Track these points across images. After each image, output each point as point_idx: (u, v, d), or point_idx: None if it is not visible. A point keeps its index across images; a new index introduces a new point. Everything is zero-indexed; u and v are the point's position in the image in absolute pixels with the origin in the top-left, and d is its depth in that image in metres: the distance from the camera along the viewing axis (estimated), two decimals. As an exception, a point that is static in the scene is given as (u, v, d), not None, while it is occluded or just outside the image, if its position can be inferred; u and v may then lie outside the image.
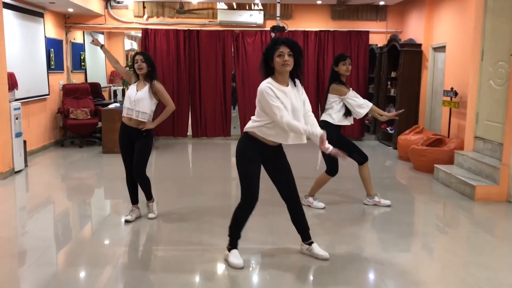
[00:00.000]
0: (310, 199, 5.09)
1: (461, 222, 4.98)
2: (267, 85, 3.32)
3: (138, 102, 4.41)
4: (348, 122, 4.94)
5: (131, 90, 4.51)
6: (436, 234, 4.57)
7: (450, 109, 7.32)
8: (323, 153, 3.50)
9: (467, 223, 4.93)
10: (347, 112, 4.87)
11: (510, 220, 4.95)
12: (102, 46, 4.99)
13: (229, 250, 3.62)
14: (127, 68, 5.53)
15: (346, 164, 4.58)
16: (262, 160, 3.51)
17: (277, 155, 3.56)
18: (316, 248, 3.72)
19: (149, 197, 4.73)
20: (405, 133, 7.89)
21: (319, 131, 3.29)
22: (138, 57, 4.48)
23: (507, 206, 5.24)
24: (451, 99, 7.22)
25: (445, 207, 5.46)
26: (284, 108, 3.28)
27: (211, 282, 3.40)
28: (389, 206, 5.12)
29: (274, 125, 3.33)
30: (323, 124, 4.64)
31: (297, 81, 3.49)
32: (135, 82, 4.56)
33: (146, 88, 4.47)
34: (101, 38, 11.56)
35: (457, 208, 5.26)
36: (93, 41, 5.02)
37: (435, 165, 6.41)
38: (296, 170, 3.69)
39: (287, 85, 3.40)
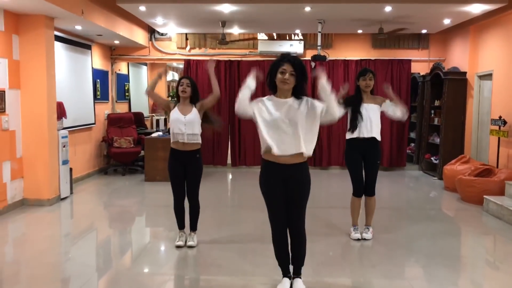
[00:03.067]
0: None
1: (514, 256, 4.73)
2: (262, 99, 3.39)
3: (189, 124, 4.46)
4: (351, 135, 4.80)
5: (177, 115, 4.51)
6: (486, 269, 4.34)
7: (499, 138, 7.07)
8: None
9: (520, 257, 4.67)
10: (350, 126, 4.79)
11: None
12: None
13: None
14: (168, 98, 5.56)
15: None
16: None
17: (293, 177, 3.40)
18: (296, 283, 3.53)
19: (194, 227, 4.75)
20: (451, 163, 7.65)
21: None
22: (184, 81, 4.55)
23: None
24: (499, 128, 6.98)
25: (496, 240, 5.20)
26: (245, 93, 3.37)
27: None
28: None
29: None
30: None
31: (304, 98, 3.36)
32: (174, 108, 4.59)
33: (195, 110, 4.53)
34: (144, 70, 11.91)
35: (510, 242, 4.99)
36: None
37: (484, 196, 6.15)
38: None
39: (285, 99, 3.34)
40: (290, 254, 3.56)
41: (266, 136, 3.29)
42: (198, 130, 4.52)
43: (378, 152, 4.86)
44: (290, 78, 3.27)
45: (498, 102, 7.37)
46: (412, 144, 9.91)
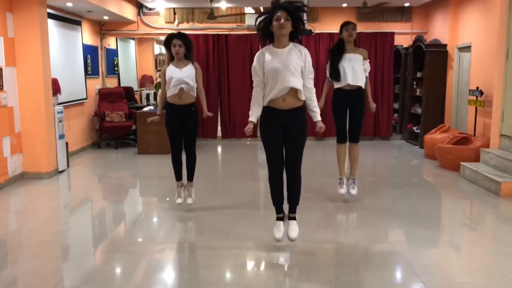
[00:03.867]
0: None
1: (487, 217, 5.14)
2: (260, 51, 3.65)
3: (185, 74, 4.64)
4: (337, 84, 5.07)
5: (173, 69, 4.66)
6: (462, 229, 4.74)
7: (476, 108, 7.43)
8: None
9: (493, 218, 5.08)
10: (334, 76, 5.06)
11: (535, 215, 5.08)
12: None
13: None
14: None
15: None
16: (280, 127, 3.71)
17: (292, 121, 3.69)
18: (290, 225, 3.88)
19: (191, 177, 5.04)
20: (431, 132, 8.02)
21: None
22: (176, 42, 4.64)
23: (533, 201, 5.37)
24: (476, 98, 7.33)
25: (472, 203, 5.60)
26: (258, 87, 3.64)
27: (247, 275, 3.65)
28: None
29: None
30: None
31: (302, 47, 3.65)
32: (168, 65, 4.75)
33: (190, 65, 4.72)
34: (132, 44, 12.00)
35: (483, 204, 5.40)
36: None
37: (461, 163, 6.54)
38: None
39: (284, 48, 3.59)
40: (286, 194, 3.87)
41: (269, 88, 3.59)
42: (193, 83, 4.72)
43: (362, 103, 5.11)
44: (286, 23, 3.47)
45: (476, 73, 7.71)
46: (396, 115, 10.27)
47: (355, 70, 4.94)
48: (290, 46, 3.62)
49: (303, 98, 3.66)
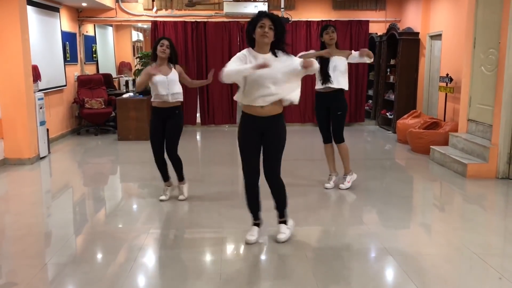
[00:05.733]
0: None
1: (454, 197, 5.46)
2: (241, 51, 3.57)
3: (171, 83, 4.69)
4: (317, 86, 5.23)
5: (160, 77, 4.66)
6: (431, 208, 5.04)
7: (446, 94, 7.75)
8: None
9: (459, 198, 5.40)
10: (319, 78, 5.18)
11: (498, 194, 5.41)
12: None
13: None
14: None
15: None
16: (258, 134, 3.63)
17: (270, 129, 3.61)
18: (280, 228, 3.84)
19: (181, 178, 5.01)
20: (404, 117, 8.33)
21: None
22: (164, 41, 4.75)
23: (496, 182, 5.70)
24: (446, 85, 7.65)
25: (440, 184, 5.92)
26: (234, 64, 3.44)
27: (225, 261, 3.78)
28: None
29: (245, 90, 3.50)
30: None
31: (279, 52, 3.53)
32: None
33: (174, 70, 4.79)
34: (110, 31, 11.99)
35: (451, 185, 5.72)
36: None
37: (431, 146, 6.86)
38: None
39: (264, 54, 3.50)
40: (269, 201, 3.81)
41: (246, 92, 3.51)
42: (179, 88, 4.79)
43: (340, 104, 5.21)
44: (269, 31, 3.41)
45: (446, 61, 8.02)
46: (370, 101, 10.57)
47: (337, 73, 5.04)
48: (269, 54, 3.54)
49: (285, 105, 3.60)
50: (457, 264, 3.49)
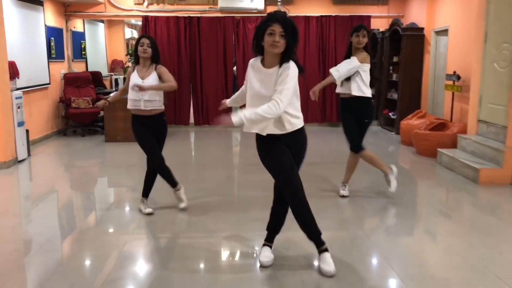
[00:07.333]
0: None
1: (464, 205, 4.99)
2: (250, 62, 3.14)
3: (146, 87, 4.20)
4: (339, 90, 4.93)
5: (135, 79, 4.29)
6: (439, 218, 4.57)
7: (453, 93, 7.29)
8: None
9: (471, 207, 4.93)
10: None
11: (514, 203, 4.95)
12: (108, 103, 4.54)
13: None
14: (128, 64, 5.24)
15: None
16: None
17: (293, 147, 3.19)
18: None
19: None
20: (408, 118, 7.87)
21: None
22: (144, 40, 4.30)
23: (511, 189, 5.24)
24: (453, 83, 7.19)
25: (449, 191, 5.45)
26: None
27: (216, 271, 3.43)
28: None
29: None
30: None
31: (284, 65, 2.96)
32: (133, 70, 4.38)
33: (154, 74, 4.31)
34: (101, 27, 11.52)
35: (461, 192, 5.26)
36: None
37: (438, 149, 6.40)
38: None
39: (270, 68, 3.00)
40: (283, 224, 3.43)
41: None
42: (155, 96, 4.29)
43: (365, 111, 4.91)
44: (280, 40, 2.88)
45: (453, 57, 7.56)
46: (372, 100, 10.10)
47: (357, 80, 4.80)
48: (276, 68, 2.98)
49: (289, 126, 3.07)
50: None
